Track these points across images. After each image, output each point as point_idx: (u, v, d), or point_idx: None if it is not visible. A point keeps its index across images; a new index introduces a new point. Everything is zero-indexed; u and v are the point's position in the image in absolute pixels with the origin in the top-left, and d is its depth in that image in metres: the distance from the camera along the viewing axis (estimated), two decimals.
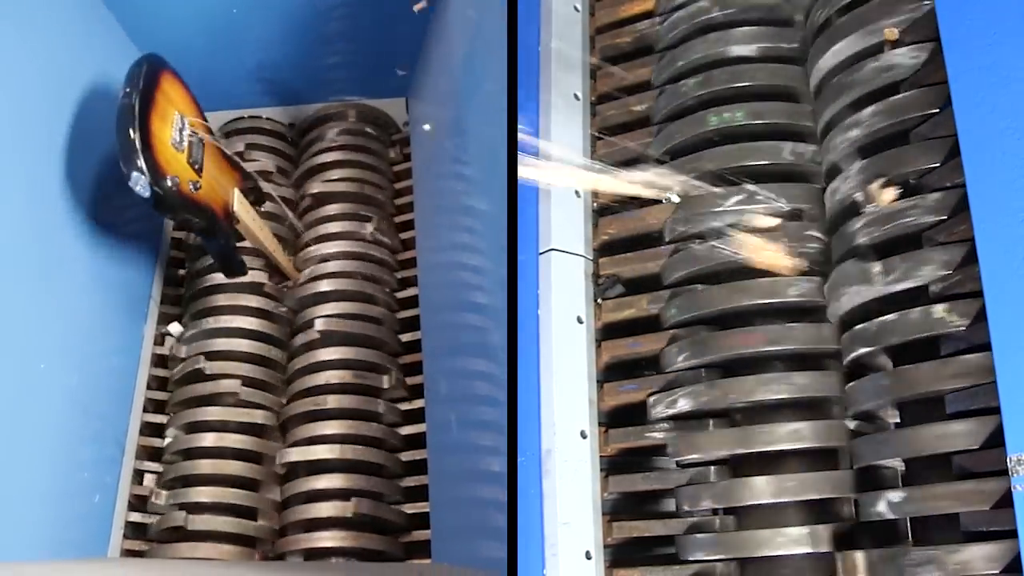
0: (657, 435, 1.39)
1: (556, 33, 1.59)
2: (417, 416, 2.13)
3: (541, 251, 1.46)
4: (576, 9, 1.65)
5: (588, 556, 1.30)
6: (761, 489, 1.27)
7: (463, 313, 1.94)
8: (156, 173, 1.84)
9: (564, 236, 1.47)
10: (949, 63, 1.12)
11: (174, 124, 1.99)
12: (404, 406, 2.16)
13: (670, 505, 1.39)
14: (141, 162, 1.83)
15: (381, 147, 2.54)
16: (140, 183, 1.82)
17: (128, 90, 1.93)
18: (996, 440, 1.00)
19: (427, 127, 2.38)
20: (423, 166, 2.41)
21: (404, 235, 2.42)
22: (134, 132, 1.85)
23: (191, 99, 2.15)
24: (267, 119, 2.60)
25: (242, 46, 2.44)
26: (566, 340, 1.42)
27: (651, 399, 1.41)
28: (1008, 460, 0.95)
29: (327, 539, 1.96)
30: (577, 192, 1.52)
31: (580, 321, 1.44)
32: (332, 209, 2.37)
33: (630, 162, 1.55)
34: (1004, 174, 1.03)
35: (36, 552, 1.72)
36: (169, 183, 1.85)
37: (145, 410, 2.17)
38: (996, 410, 0.99)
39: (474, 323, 1.80)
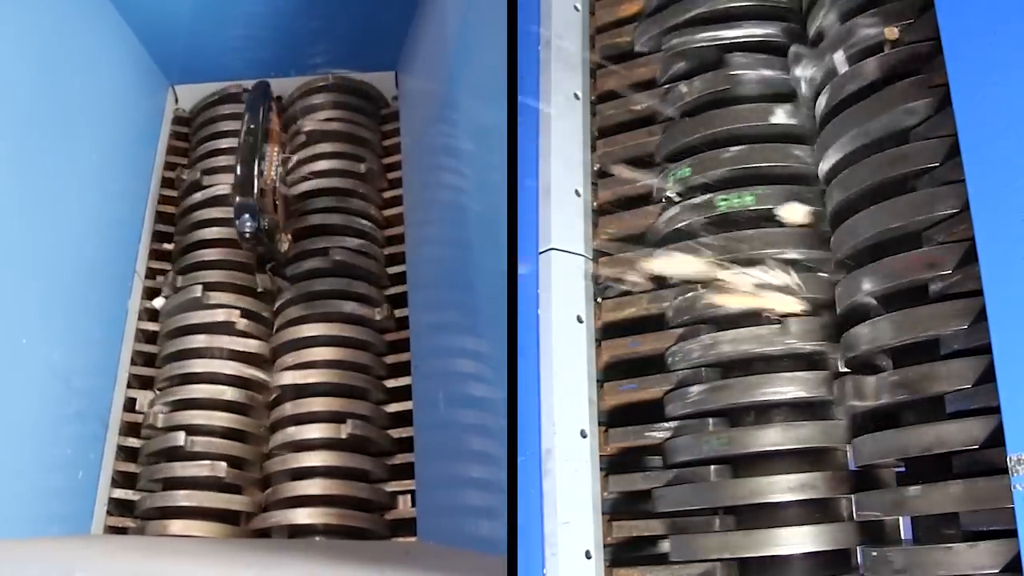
0: (657, 435, 1.41)
1: (556, 32, 1.58)
2: (404, 394, 2.15)
3: (541, 250, 1.45)
4: (576, 8, 1.64)
5: (588, 555, 1.31)
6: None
7: (448, 290, 1.95)
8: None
9: (564, 236, 1.47)
10: (949, 63, 1.12)
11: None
12: (391, 383, 2.17)
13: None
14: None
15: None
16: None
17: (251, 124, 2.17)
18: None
19: None
20: (412, 143, 2.40)
21: (391, 211, 2.43)
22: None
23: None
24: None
25: (228, 17, 2.40)
26: (566, 340, 1.42)
27: None
28: (1008, 460, 0.95)
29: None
30: (577, 191, 1.52)
31: (580, 321, 1.44)
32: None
33: (630, 161, 1.56)
34: (1004, 174, 1.03)
35: (19, 529, 1.71)
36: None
37: (129, 386, 2.16)
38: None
39: (460, 300, 1.81)
